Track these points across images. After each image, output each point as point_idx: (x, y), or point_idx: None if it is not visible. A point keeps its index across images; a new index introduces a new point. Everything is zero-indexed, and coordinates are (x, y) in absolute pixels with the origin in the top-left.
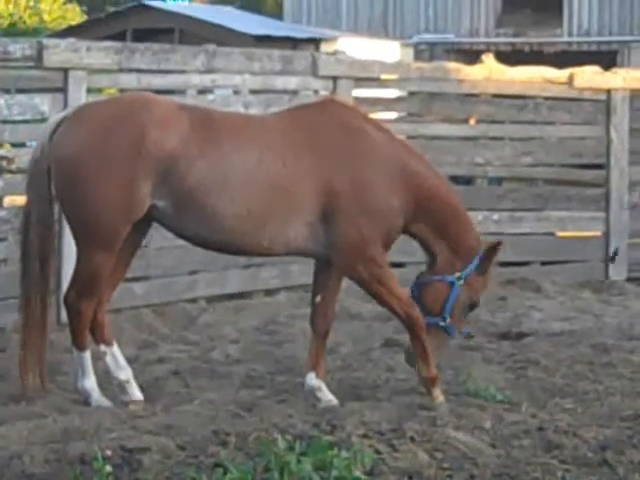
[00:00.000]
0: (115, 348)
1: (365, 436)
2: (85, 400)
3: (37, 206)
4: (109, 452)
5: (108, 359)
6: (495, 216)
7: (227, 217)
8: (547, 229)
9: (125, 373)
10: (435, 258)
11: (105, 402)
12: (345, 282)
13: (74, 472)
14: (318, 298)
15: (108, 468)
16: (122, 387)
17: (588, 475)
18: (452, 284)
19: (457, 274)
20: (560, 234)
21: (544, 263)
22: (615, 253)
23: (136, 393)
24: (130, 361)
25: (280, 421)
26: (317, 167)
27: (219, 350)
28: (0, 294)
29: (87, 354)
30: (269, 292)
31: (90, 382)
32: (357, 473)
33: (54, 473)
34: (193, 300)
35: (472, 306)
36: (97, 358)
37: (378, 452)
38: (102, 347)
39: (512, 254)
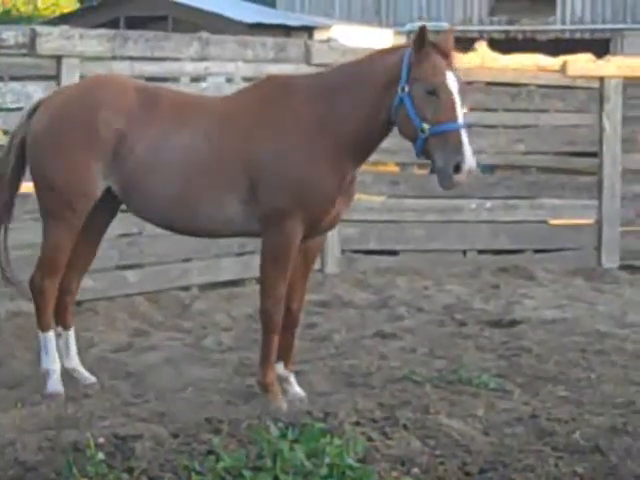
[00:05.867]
0: (71, 334)
1: (358, 423)
2: (44, 381)
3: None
4: (102, 440)
5: (61, 343)
6: (488, 204)
7: (161, 199)
8: (540, 217)
9: (70, 363)
10: None
11: (60, 389)
12: (340, 270)
13: (67, 459)
14: None
15: (101, 456)
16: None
17: (581, 462)
18: None
19: None
20: (553, 222)
21: (537, 251)
22: None
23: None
24: (123, 349)
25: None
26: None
27: (212, 338)
28: None
29: (51, 335)
30: None
31: (54, 364)
32: (349, 460)
33: (47, 461)
34: (186, 288)
35: None
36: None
37: (370, 439)
38: (59, 329)
39: (505, 242)
